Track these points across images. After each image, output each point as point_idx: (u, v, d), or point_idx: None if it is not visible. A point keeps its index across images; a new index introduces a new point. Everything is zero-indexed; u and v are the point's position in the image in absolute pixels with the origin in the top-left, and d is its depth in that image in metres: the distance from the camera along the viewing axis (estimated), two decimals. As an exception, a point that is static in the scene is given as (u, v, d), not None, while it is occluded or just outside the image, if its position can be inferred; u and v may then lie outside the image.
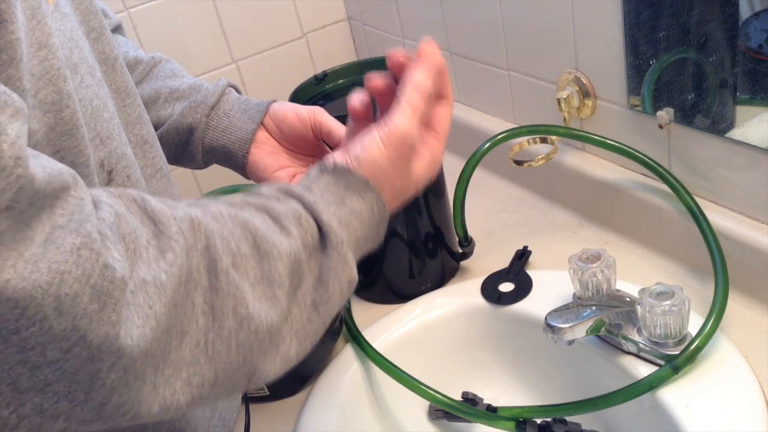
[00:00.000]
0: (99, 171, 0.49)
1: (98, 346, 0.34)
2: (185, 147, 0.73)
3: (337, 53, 1.33)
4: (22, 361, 0.34)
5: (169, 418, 0.42)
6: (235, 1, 1.20)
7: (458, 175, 0.86)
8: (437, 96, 0.55)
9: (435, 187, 0.90)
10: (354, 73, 0.94)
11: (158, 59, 0.77)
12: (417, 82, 0.53)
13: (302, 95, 0.91)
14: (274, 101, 0.73)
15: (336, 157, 0.52)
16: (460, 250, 0.91)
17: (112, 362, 0.35)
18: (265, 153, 0.71)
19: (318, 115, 0.71)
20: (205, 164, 0.75)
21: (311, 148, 0.73)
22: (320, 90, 0.93)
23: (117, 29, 0.77)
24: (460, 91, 1.13)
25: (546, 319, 0.67)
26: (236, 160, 0.72)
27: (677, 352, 0.67)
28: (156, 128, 0.72)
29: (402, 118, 0.51)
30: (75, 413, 0.36)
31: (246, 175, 0.73)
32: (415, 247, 0.89)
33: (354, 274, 0.50)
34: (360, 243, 0.51)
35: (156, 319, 0.37)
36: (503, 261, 0.88)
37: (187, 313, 0.40)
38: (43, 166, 0.34)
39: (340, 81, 0.94)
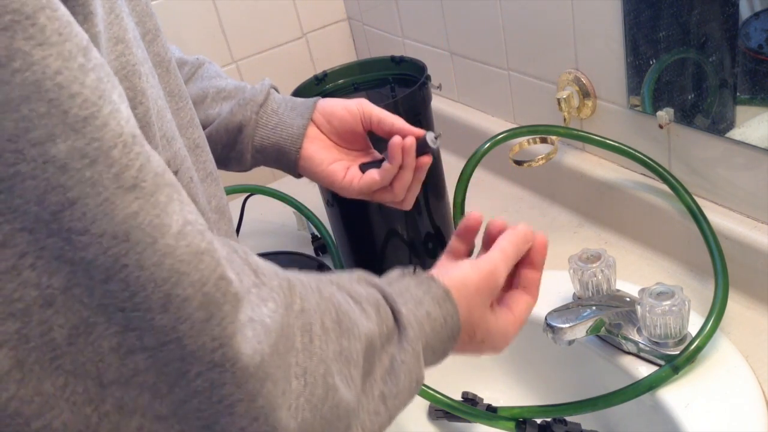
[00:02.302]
0: None
1: (192, 352, 0.34)
2: (233, 146, 0.72)
3: (337, 53, 1.33)
4: (118, 345, 0.33)
5: None
6: (235, 1, 1.20)
7: (458, 175, 0.86)
8: (530, 264, 0.58)
9: (435, 187, 0.90)
10: (354, 73, 0.94)
11: (202, 61, 0.77)
12: (512, 236, 0.57)
13: (302, 95, 0.91)
14: (320, 98, 0.73)
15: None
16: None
17: (200, 370, 0.35)
18: (318, 147, 0.71)
19: (366, 107, 0.71)
20: (252, 165, 0.74)
21: (359, 141, 0.73)
22: (320, 90, 0.93)
23: None
24: (460, 91, 1.13)
25: (546, 319, 0.67)
26: (289, 156, 0.71)
27: (677, 352, 0.67)
28: (204, 127, 0.71)
29: (494, 254, 0.56)
30: (153, 407, 0.35)
31: (297, 174, 0.73)
32: (415, 247, 0.89)
33: (423, 374, 0.49)
34: (427, 353, 0.50)
35: (262, 357, 0.36)
36: (503, 261, 0.88)
37: (285, 372, 0.38)
38: (156, 156, 0.33)
39: (340, 81, 0.94)
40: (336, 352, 0.43)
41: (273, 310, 0.38)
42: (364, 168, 0.70)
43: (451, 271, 0.54)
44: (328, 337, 0.43)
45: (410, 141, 0.66)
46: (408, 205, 0.71)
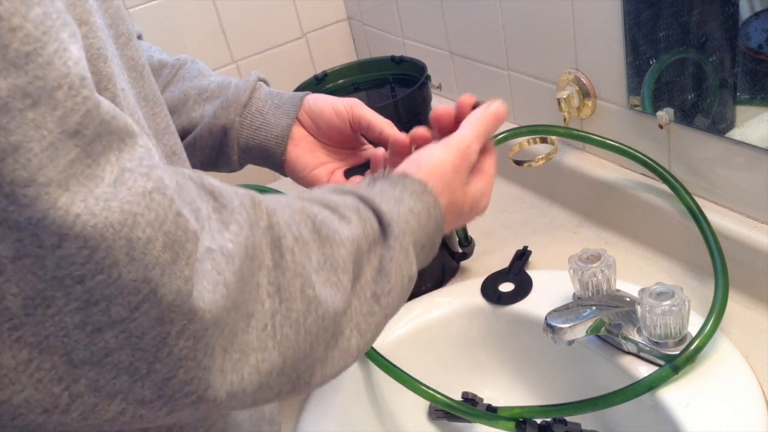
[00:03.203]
0: None
1: (169, 303, 0.32)
2: (220, 149, 0.71)
3: (337, 53, 1.33)
4: (82, 322, 0.31)
5: (233, 409, 0.38)
6: (235, 1, 1.20)
7: (458, 175, 0.86)
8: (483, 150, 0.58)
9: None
10: (354, 73, 0.94)
11: (183, 61, 0.75)
12: (484, 114, 0.57)
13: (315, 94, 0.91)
14: (308, 93, 0.72)
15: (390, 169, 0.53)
16: (460, 250, 0.91)
17: (182, 325, 0.33)
18: (303, 150, 0.70)
19: (356, 108, 0.69)
20: (240, 165, 0.73)
21: (349, 141, 0.71)
22: (320, 90, 0.93)
23: (138, 37, 0.76)
24: (460, 91, 1.13)
25: (546, 319, 0.67)
26: (274, 158, 0.70)
27: (677, 352, 0.67)
28: (188, 131, 0.71)
29: (465, 132, 0.55)
30: (134, 390, 0.33)
31: (285, 173, 0.72)
32: (415, 247, 0.89)
33: (414, 270, 0.48)
34: (416, 247, 0.49)
35: (226, 287, 0.35)
36: (503, 261, 0.88)
37: (252, 294, 0.37)
38: (107, 102, 0.32)
39: (340, 81, 0.94)
40: (319, 261, 0.42)
41: (236, 232, 0.37)
42: (348, 174, 0.69)
43: (423, 159, 0.53)
44: (308, 248, 0.41)
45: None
46: None
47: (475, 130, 0.56)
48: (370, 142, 0.70)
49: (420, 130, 0.61)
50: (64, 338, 0.31)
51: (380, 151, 0.65)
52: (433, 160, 0.53)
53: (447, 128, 0.59)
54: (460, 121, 0.58)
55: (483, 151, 0.58)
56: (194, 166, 0.73)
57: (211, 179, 0.40)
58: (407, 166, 0.53)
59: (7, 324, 0.30)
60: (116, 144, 0.32)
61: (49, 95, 0.29)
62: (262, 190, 1.06)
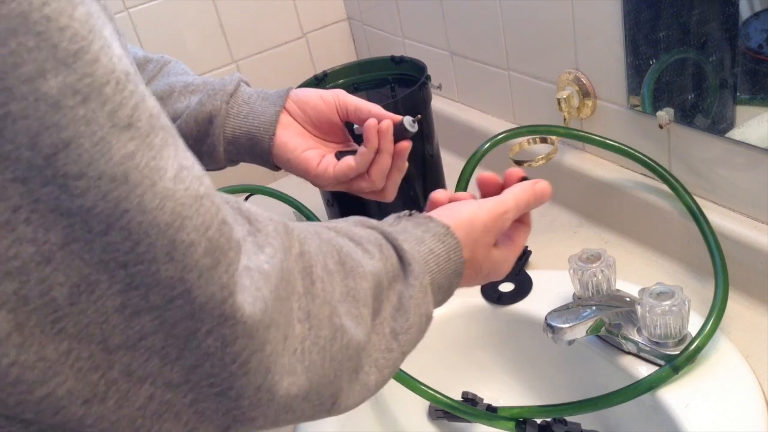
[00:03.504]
0: None
1: (201, 305, 0.33)
2: (204, 139, 0.69)
3: (337, 53, 1.33)
4: (122, 306, 0.31)
5: (252, 421, 0.39)
6: (235, 1, 1.20)
7: (458, 175, 0.86)
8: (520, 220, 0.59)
9: (435, 187, 0.90)
10: (354, 73, 0.94)
11: (168, 59, 0.75)
12: (530, 189, 0.57)
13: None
14: (293, 88, 0.71)
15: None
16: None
17: (211, 326, 0.33)
18: (292, 134, 0.69)
19: (342, 96, 0.69)
20: (226, 159, 0.71)
21: (336, 133, 0.70)
22: (320, 90, 0.92)
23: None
24: (460, 91, 1.13)
25: (546, 319, 0.67)
26: (262, 145, 0.69)
27: (677, 352, 0.67)
28: (172, 122, 0.70)
29: (507, 197, 0.56)
30: (164, 374, 0.34)
31: (271, 164, 0.70)
32: (415, 247, 0.89)
33: (432, 309, 0.49)
34: (433, 288, 0.49)
35: (264, 302, 0.35)
36: (503, 261, 0.88)
37: (287, 317, 0.38)
38: (152, 98, 0.32)
39: (340, 81, 0.94)
40: (342, 293, 0.42)
41: (271, 255, 0.37)
42: (339, 156, 0.67)
43: (457, 211, 0.54)
44: (333, 279, 0.42)
45: (386, 123, 0.64)
46: (389, 196, 0.69)
47: (516, 200, 0.56)
48: (357, 141, 0.69)
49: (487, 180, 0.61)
50: (102, 324, 0.32)
51: (372, 120, 0.64)
52: (464, 213, 0.53)
53: (490, 194, 0.60)
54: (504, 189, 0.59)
55: (519, 221, 0.58)
56: None
57: (248, 204, 0.40)
58: (437, 212, 0.54)
59: (50, 317, 0.31)
60: (171, 139, 0.33)
61: (98, 91, 0.30)
62: (262, 190, 1.06)
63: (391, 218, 0.53)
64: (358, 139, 0.67)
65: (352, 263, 0.44)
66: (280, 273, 0.37)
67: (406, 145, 0.66)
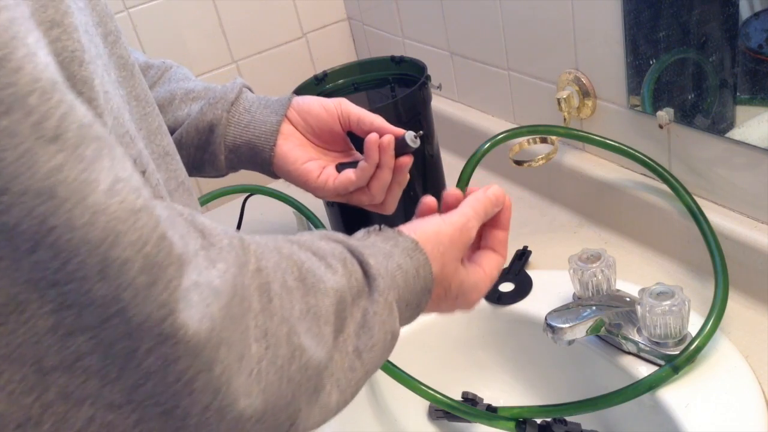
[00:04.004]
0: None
1: (138, 324, 0.31)
2: (206, 148, 0.69)
3: (337, 53, 1.33)
4: (54, 326, 0.30)
5: None
6: (235, 1, 1.20)
7: (458, 175, 0.86)
8: (497, 224, 0.58)
9: (435, 187, 0.90)
10: (354, 73, 0.94)
11: (169, 64, 0.74)
12: (483, 197, 0.56)
13: (302, 95, 0.91)
14: (295, 96, 0.70)
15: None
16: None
17: (151, 345, 0.32)
18: (293, 144, 0.68)
19: (344, 105, 0.68)
20: (227, 167, 0.70)
21: (338, 142, 0.70)
22: (320, 90, 0.93)
23: None
24: (460, 91, 1.13)
25: (546, 319, 0.67)
26: (262, 155, 0.68)
27: (677, 352, 0.67)
28: (174, 130, 0.69)
29: (466, 209, 0.55)
30: (104, 394, 0.32)
31: (272, 173, 0.70)
32: (415, 247, 0.89)
33: (397, 327, 0.47)
34: (401, 304, 0.48)
35: (212, 320, 0.34)
36: (503, 261, 0.88)
37: (242, 336, 0.36)
38: (83, 107, 0.31)
39: (340, 81, 0.94)
40: (302, 310, 0.41)
41: (223, 270, 0.36)
42: (340, 168, 0.67)
43: (422, 226, 0.53)
44: (292, 296, 0.41)
45: (388, 138, 0.64)
46: (389, 209, 0.68)
47: (474, 209, 0.56)
48: (359, 149, 0.68)
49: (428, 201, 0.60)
50: (35, 345, 0.30)
51: (374, 135, 0.64)
52: (430, 227, 0.53)
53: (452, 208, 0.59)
54: None
55: (491, 248, 0.58)
56: None
57: (203, 218, 0.39)
58: (404, 227, 0.53)
59: None
60: (107, 150, 0.31)
61: (21, 102, 0.28)
62: (262, 190, 1.06)
63: (360, 233, 0.52)
64: (361, 147, 0.67)
65: (313, 279, 0.42)
66: (233, 289, 0.36)
67: (407, 160, 0.66)
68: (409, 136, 0.64)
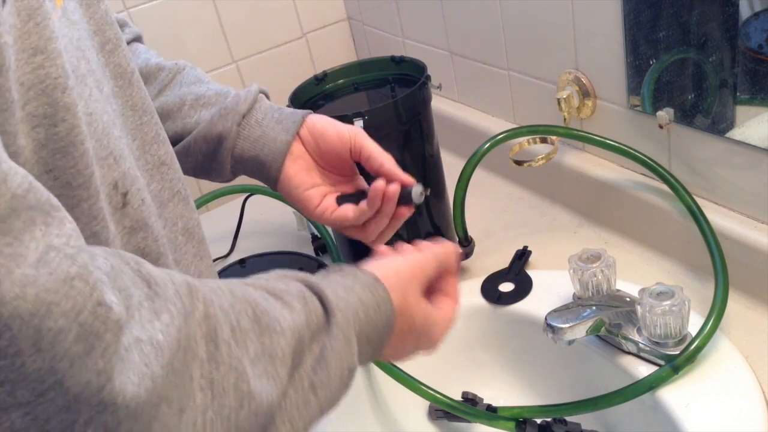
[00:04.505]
0: (112, 193, 0.45)
1: (76, 395, 0.30)
2: (214, 157, 0.68)
3: (337, 53, 1.33)
4: None
5: None
6: (235, 1, 1.20)
7: (458, 175, 0.86)
8: (448, 272, 0.58)
9: (435, 187, 0.90)
10: (354, 73, 0.94)
11: (182, 66, 0.72)
12: (440, 249, 0.57)
13: (302, 95, 0.91)
14: (310, 112, 0.69)
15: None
16: (460, 250, 0.91)
17: (90, 416, 0.31)
18: (300, 168, 0.67)
19: (359, 137, 0.67)
20: (233, 176, 0.70)
21: (345, 168, 0.69)
22: (320, 90, 0.93)
23: (137, 39, 0.73)
24: (460, 91, 1.13)
25: (546, 319, 0.67)
26: (269, 172, 0.67)
27: (677, 352, 0.67)
28: (182, 137, 0.68)
29: (424, 251, 0.56)
30: None
31: (276, 189, 0.69)
32: (415, 247, 0.89)
33: (356, 361, 0.46)
34: (361, 338, 0.47)
35: (152, 380, 0.33)
36: (503, 261, 0.88)
37: (185, 388, 0.35)
38: (23, 174, 0.30)
39: (340, 81, 0.94)
40: (257, 352, 0.40)
41: (167, 323, 0.35)
42: (341, 201, 0.67)
43: (382, 263, 0.53)
44: (247, 338, 0.40)
45: (393, 190, 0.63)
46: (377, 244, 0.67)
47: (432, 251, 0.56)
48: (364, 175, 0.68)
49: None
50: None
51: (381, 183, 0.63)
52: (390, 263, 0.53)
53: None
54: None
55: (445, 294, 0.58)
56: (186, 172, 0.69)
57: (150, 266, 0.38)
58: (364, 265, 0.53)
59: None
60: (41, 218, 0.30)
61: None
62: (262, 190, 1.06)
63: (320, 274, 0.52)
64: (367, 175, 0.67)
65: (268, 320, 0.42)
66: (177, 343, 0.35)
67: (407, 212, 0.66)
68: (416, 191, 0.64)
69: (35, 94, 0.37)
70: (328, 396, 0.45)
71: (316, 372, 0.44)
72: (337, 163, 0.68)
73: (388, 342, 0.51)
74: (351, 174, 0.70)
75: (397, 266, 0.53)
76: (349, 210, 0.65)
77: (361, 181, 0.70)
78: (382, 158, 0.65)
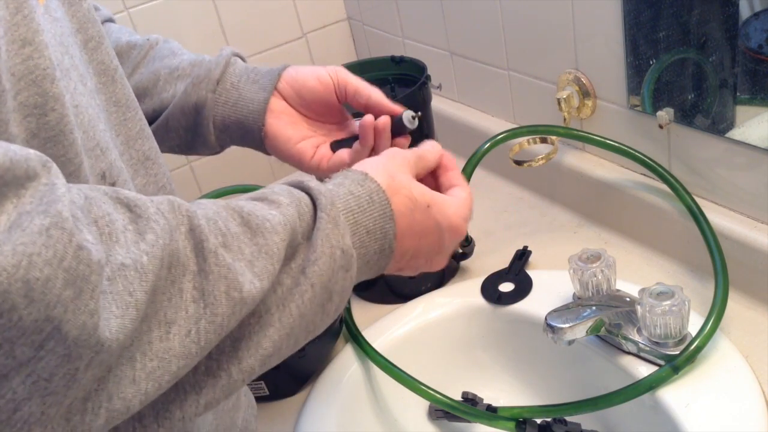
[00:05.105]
0: (101, 183, 0.45)
1: (75, 339, 0.31)
2: (195, 129, 0.66)
3: (337, 53, 1.33)
4: None
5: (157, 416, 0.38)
6: (235, 1, 1.20)
7: (458, 175, 0.86)
8: (446, 167, 0.59)
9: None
10: (354, 73, 0.94)
11: (154, 41, 0.70)
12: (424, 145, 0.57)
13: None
14: (288, 66, 0.67)
15: None
16: (460, 250, 0.91)
17: (90, 358, 0.32)
18: (284, 123, 0.65)
19: (341, 75, 0.65)
20: (220, 147, 0.68)
21: (334, 114, 0.67)
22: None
23: (109, 20, 0.72)
24: (460, 91, 1.13)
25: (546, 319, 0.67)
26: (253, 134, 0.65)
27: (677, 352, 0.67)
28: (160, 112, 0.66)
29: (403, 151, 0.55)
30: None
31: (267, 152, 0.67)
32: (415, 247, 0.89)
33: (347, 242, 0.45)
34: (359, 230, 0.47)
35: (136, 309, 0.34)
36: (503, 261, 0.88)
37: (173, 302, 0.37)
38: (4, 149, 0.31)
39: (340, 81, 0.93)
40: (253, 252, 0.41)
41: (152, 242, 0.36)
42: (335, 147, 0.65)
43: (365, 163, 0.52)
44: (240, 242, 0.41)
45: (383, 121, 0.62)
46: None
47: (414, 151, 0.56)
48: (355, 115, 0.66)
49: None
50: None
51: (369, 117, 0.62)
52: (373, 162, 0.52)
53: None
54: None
55: (451, 185, 0.57)
56: (172, 150, 0.69)
57: (127, 192, 0.39)
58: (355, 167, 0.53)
59: None
60: (14, 192, 0.31)
61: None
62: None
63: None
64: (358, 115, 0.65)
65: (257, 221, 0.42)
66: (160, 262, 0.36)
67: (404, 141, 0.64)
68: (407, 116, 0.62)
69: (26, 85, 0.38)
70: (318, 273, 0.44)
71: (303, 254, 0.44)
72: (324, 110, 0.67)
73: (397, 232, 0.49)
74: (342, 119, 0.68)
75: (381, 161, 0.52)
76: (344, 153, 0.64)
77: (355, 125, 0.68)
78: (369, 91, 0.65)
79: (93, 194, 0.36)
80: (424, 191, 0.52)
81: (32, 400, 0.31)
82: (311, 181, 0.47)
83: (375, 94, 0.64)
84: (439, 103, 1.12)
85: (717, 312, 0.68)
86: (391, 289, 0.91)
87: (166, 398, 0.39)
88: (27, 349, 0.30)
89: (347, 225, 0.46)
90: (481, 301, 0.84)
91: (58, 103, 0.40)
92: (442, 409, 0.78)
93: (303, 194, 0.46)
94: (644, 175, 0.85)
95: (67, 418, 0.33)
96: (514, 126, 0.95)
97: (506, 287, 0.84)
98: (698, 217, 0.75)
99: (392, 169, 0.51)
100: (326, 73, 0.66)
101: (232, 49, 0.68)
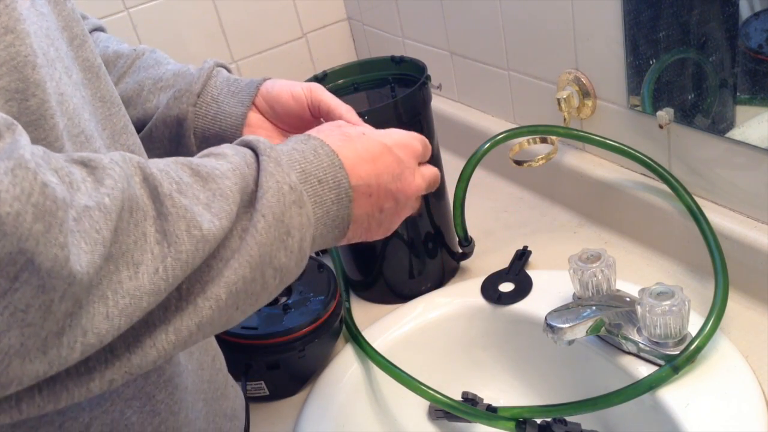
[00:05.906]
0: None
1: (48, 270, 0.33)
2: (178, 140, 0.68)
3: (337, 53, 1.33)
4: None
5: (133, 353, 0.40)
6: (235, 1, 1.20)
7: (458, 175, 0.86)
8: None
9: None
10: (354, 73, 0.94)
11: (141, 51, 0.72)
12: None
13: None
14: (267, 79, 0.69)
15: None
16: (460, 250, 0.91)
17: (63, 290, 0.34)
18: (261, 136, 0.66)
19: (315, 93, 0.67)
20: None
21: (309, 127, 0.68)
22: (320, 90, 0.92)
23: (99, 29, 0.74)
24: (460, 91, 1.13)
25: (546, 319, 0.67)
26: None
27: (677, 352, 0.67)
28: (144, 123, 0.68)
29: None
30: (27, 371, 0.34)
31: None
32: (415, 247, 0.89)
33: (293, 178, 0.47)
34: (310, 179, 0.49)
35: (104, 245, 0.36)
36: (503, 261, 0.88)
37: (138, 244, 0.39)
38: None
39: (340, 81, 0.93)
40: (208, 197, 0.43)
41: (111, 186, 0.38)
42: None
43: (313, 130, 0.56)
44: (194, 190, 0.43)
45: None
46: None
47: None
48: None
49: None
50: None
51: None
52: (324, 126, 0.56)
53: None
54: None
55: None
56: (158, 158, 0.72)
57: (81, 153, 0.41)
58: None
59: None
60: None
61: None
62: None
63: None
64: None
65: (207, 170, 0.44)
66: (121, 204, 0.38)
67: None
68: None
69: (7, 70, 0.40)
70: (269, 206, 0.45)
71: (255, 196, 0.46)
72: (299, 124, 0.69)
73: (349, 174, 0.51)
74: None
75: (329, 125, 0.56)
76: None
77: None
78: (341, 110, 0.66)
79: (52, 153, 0.38)
80: (353, 127, 0.56)
81: (11, 332, 0.33)
82: (257, 139, 0.50)
83: (346, 115, 0.66)
84: (439, 103, 1.12)
85: (717, 312, 0.68)
86: (391, 289, 0.91)
87: (135, 329, 0.41)
88: (3, 281, 0.32)
89: (290, 165, 0.48)
90: (481, 301, 0.84)
91: (39, 89, 0.41)
92: (442, 409, 0.78)
93: (245, 148, 0.48)
94: (644, 175, 0.85)
95: (44, 351, 0.35)
96: (514, 126, 0.95)
97: (506, 287, 0.84)
98: (698, 217, 0.75)
99: (337, 128, 0.55)
100: (301, 90, 0.68)
101: (215, 60, 0.71)
